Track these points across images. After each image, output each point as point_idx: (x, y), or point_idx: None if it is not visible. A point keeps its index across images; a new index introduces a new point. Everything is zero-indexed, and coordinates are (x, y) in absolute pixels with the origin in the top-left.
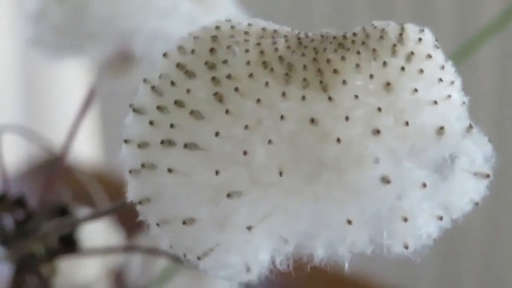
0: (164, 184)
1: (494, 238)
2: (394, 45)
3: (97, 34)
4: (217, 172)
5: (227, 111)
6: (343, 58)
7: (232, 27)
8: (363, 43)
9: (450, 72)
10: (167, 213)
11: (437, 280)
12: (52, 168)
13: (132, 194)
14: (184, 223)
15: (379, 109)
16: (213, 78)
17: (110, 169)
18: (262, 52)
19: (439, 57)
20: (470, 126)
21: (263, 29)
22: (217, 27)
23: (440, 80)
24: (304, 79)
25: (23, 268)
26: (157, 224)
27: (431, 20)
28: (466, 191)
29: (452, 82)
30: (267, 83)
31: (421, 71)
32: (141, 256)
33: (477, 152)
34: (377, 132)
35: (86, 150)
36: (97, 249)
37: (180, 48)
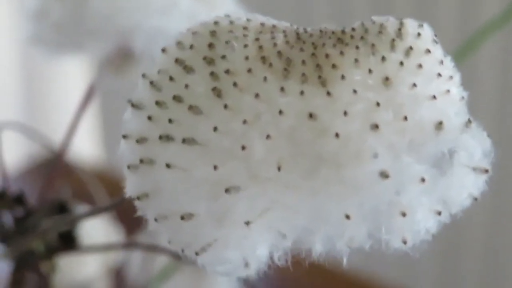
0: (162, 180)
1: (495, 237)
2: (393, 40)
3: (97, 31)
4: (215, 167)
5: (225, 106)
6: (341, 53)
7: (231, 22)
8: (362, 38)
9: (449, 67)
10: (166, 208)
11: (437, 279)
12: (52, 165)
13: (130, 189)
14: (182, 218)
15: (378, 104)
16: (212, 73)
17: (111, 168)
18: (260, 47)
19: (438, 52)
20: (469, 121)
21: (262, 24)
22: (216, 23)
23: (439, 75)
24: (303, 74)
25: (23, 265)
26: (156, 220)
27: (432, 17)
28: (465, 186)
29: (451, 77)
30: (265, 78)
31: (420, 66)
32: (141, 254)
33: (476, 147)
34: (375, 127)
35: (87, 148)
36: (96, 246)
37: (179, 44)
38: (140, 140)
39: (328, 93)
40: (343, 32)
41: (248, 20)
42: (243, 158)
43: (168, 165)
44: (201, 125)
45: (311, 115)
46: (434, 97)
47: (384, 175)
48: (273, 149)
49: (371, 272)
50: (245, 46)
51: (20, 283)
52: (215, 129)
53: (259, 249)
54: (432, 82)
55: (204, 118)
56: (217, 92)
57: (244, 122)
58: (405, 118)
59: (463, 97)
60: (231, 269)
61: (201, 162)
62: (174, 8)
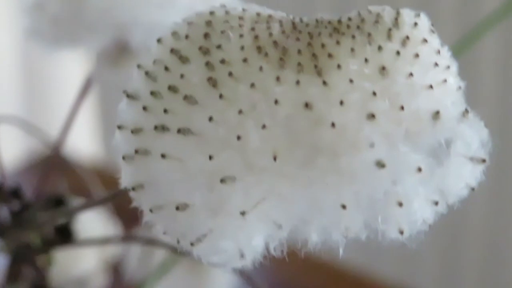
0: (157, 170)
1: (495, 233)
2: (390, 30)
3: (95, 25)
4: (210, 157)
5: (221, 96)
6: (338, 42)
7: (227, 12)
8: (358, 27)
9: (446, 56)
10: (161, 199)
11: (437, 275)
12: (49, 159)
13: (125, 180)
14: (177, 208)
15: (374, 93)
16: (207, 63)
17: (109, 163)
18: (256, 37)
19: (434, 41)
20: (466, 111)
21: (258, 14)
22: (211, 13)
23: (436, 64)
24: (299, 64)
25: (19, 259)
26: (151, 210)
27: (432, 10)
28: (462, 176)
29: (448, 67)
30: (261, 68)
31: (417, 55)
32: (139, 249)
33: (473, 136)
34: (372, 116)
35: (85, 144)
36: (94, 240)
37: (174, 34)
38: (135, 131)
39: (324, 83)
40: (339, 21)
41: (243, 10)
42: (239, 148)
43: (163, 156)
44: (196, 115)
45: (307, 105)
46: (431, 86)
47: (380, 164)
48: (269, 138)
49: (371, 268)
50: (241, 36)
51: (16, 277)
52: (210, 119)
53: (255, 239)
54: (429, 71)
55: (200, 108)
56: (212, 82)
57: (240, 112)
58: (402, 107)
59: (460, 87)
60: (226, 259)
61: (197, 152)
62: (172, 2)
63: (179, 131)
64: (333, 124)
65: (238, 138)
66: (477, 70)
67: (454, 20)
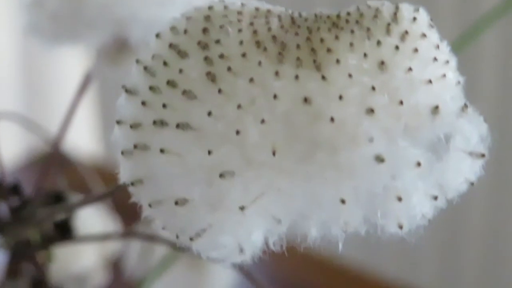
0: (156, 165)
1: (495, 229)
2: (389, 24)
3: (94, 21)
4: (209, 152)
5: (219, 91)
6: (336, 37)
7: (225, 7)
8: (357, 22)
9: (445, 51)
10: (160, 194)
11: (437, 272)
12: (48, 156)
13: (124, 175)
14: (176, 203)
15: (373, 88)
16: (206, 58)
17: (109, 161)
18: (255, 32)
19: (433, 36)
20: (465, 106)
21: (257, 9)
22: (210, 7)
23: (435, 59)
24: (298, 58)
25: (19, 255)
26: (150, 205)
27: (432, 8)
28: (461, 170)
29: (447, 62)
30: (260, 63)
31: (416, 50)
32: (139, 245)
33: (472, 131)
34: (371, 111)
35: (85, 142)
36: (93, 236)
37: (173, 29)
38: (134, 126)
39: (323, 77)
40: (338, 16)
41: (242, 4)
42: (238, 142)
43: (162, 150)
44: (195, 110)
45: (306, 100)
46: (430, 81)
47: (379, 159)
48: (268, 133)
49: (370, 264)
50: (240, 30)
51: (16, 273)
52: (209, 113)
53: (254, 234)
54: (428, 66)
55: (198, 103)
56: (211, 77)
57: (239, 106)
58: (401, 102)
59: (459, 82)
60: (225, 254)
61: (195, 147)
62: None
63: (178, 126)
64: (332, 119)
65: (237, 133)
66: (477, 66)
67: (454, 16)
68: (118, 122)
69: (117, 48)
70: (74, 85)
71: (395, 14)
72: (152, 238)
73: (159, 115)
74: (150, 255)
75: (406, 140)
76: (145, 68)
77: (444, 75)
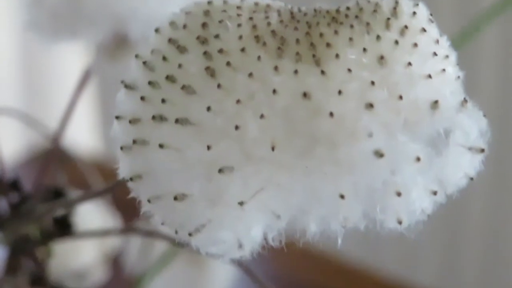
0: (155, 160)
1: (495, 225)
2: (388, 19)
3: (94, 17)
4: (209, 147)
5: (219, 86)
6: (336, 32)
7: (225, 2)
8: (356, 17)
9: (444, 46)
10: (159, 189)
11: (437, 269)
12: (48, 152)
13: (123, 170)
14: (175, 199)
15: (373, 82)
16: (205, 53)
17: (109, 157)
18: (254, 27)
19: (433, 31)
20: (465, 101)
21: (256, 3)
22: (210, 2)
23: (435, 54)
24: (297, 53)
25: (18, 251)
26: (149, 201)
27: (432, 4)
28: (461, 165)
29: (447, 56)
30: (259, 57)
31: (415, 45)
32: (138, 241)
33: (472, 126)
34: (370, 106)
35: (85, 138)
36: (93, 232)
37: (172, 24)
38: (133, 121)
39: (322, 72)
40: (337, 11)
41: None
42: (237, 137)
43: (161, 146)
44: (194, 105)
45: (305, 94)
46: (430, 76)
47: (379, 154)
48: (267, 128)
49: (370, 261)
50: (239, 25)
51: (15, 269)
52: (208, 108)
53: (253, 229)
54: (428, 61)
55: (197, 98)
56: (210, 72)
57: (238, 101)
58: (400, 97)
59: (459, 77)
60: (225, 250)
61: (195, 142)
62: None
63: (177, 121)
64: (331, 114)
65: (236, 128)
66: (476, 61)
67: (454, 12)
68: (117, 118)
69: (117, 44)
70: (74, 81)
71: (394, 8)
72: (151, 234)
73: (158, 110)
74: (150, 251)
75: (405, 135)
76: (144, 63)
77: (444, 70)
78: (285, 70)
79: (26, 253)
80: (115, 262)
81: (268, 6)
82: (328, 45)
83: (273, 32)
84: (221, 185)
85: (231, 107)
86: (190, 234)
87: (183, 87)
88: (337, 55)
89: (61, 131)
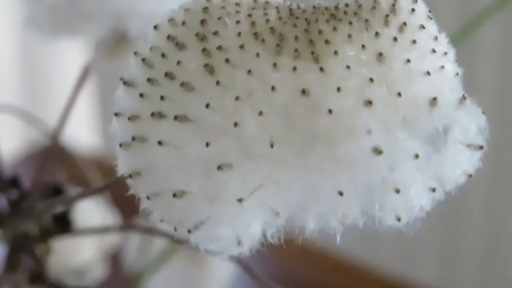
0: (154, 157)
1: (494, 223)
2: (387, 16)
3: (93, 14)
4: (207, 144)
5: (217, 83)
6: (335, 28)
7: None
8: (355, 13)
9: (443, 43)
10: (158, 186)
11: (436, 267)
12: (47, 149)
13: (122, 167)
14: (174, 196)
15: (371, 79)
16: (204, 50)
17: (108, 154)
18: (253, 23)
19: (432, 28)
20: (464, 97)
21: (255, 0)
22: None
23: (433, 50)
24: (296, 50)
25: (18, 248)
26: (148, 198)
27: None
28: (460, 162)
29: (446, 53)
30: (258, 54)
31: (414, 41)
32: (138, 238)
33: (470, 123)
34: (369, 103)
35: (84, 135)
36: (92, 229)
37: (171, 20)
38: (132, 118)
39: (321, 69)
40: (336, 8)
41: None
42: (236, 134)
43: (160, 142)
44: (193, 101)
45: (304, 91)
46: (428, 73)
47: (377, 151)
48: (266, 125)
49: (369, 259)
50: (238, 22)
51: (15, 266)
52: (207, 105)
53: (252, 226)
54: (426, 58)
55: (196, 94)
56: (209, 69)
57: (237, 98)
58: (399, 94)
59: (457, 74)
60: (224, 247)
61: (193, 139)
62: None
63: (176, 118)
64: (330, 111)
65: (235, 125)
66: (475, 58)
67: (453, 9)
68: (116, 114)
69: (116, 41)
70: (73, 78)
71: (393, 5)
72: (151, 231)
73: (157, 107)
74: (149, 248)
75: (404, 132)
76: (143, 60)
77: (443, 67)
78: (284, 67)
79: (26, 250)
80: (114, 259)
81: (266, 3)
82: (327, 42)
83: (272, 29)
84: (220, 182)
85: (230, 104)
86: (189, 231)
87: (182, 84)
88: (336, 52)
89: (60, 128)
